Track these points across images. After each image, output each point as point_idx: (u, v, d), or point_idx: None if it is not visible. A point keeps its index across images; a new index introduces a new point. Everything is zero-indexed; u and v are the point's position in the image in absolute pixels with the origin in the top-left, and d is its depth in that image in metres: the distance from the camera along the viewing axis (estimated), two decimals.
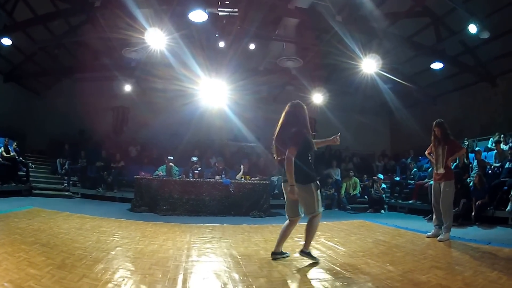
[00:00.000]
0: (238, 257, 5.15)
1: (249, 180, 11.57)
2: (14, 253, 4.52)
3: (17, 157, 12.33)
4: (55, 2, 12.00)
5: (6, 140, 12.36)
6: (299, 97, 16.52)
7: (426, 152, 7.45)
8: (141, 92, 17.37)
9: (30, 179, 12.80)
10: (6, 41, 12.14)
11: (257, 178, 11.94)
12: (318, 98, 16.06)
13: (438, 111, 16.03)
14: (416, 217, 10.70)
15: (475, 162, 10.86)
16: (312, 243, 5.99)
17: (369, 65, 12.43)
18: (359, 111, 18.88)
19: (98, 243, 5.58)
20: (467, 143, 13.53)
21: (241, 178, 11.76)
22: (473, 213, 8.83)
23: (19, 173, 12.36)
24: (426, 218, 9.68)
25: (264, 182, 11.52)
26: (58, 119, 16.80)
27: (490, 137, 12.94)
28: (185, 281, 3.92)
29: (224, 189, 10.90)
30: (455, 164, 10.51)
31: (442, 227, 6.72)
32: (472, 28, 10.61)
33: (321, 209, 4.87)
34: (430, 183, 9.06)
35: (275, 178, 13.24)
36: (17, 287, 3.38)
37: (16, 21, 12.12)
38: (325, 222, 7.95)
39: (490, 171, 10.61)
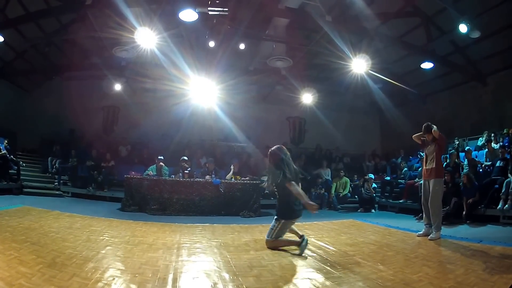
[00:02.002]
0: (228, 256, 5.14)
1: (239, 180, 11.55)
2: (4, 251, 4.50)
3: (8, 155, 12.21)
4: None
5: None
6: (289, 97, 16.69)
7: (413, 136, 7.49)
8: (131, 91, 17.31)
9: (21, 177, 12.68)
10: None
11: (247, 178, 11.89)
12: (307, 98, 16.18)
13: (428, 110, 16.16)
14: (406, 217, 10.73)
15: (466, 161, 10.93)
16: None
17: (359, 65, 12.48)
18: (349, 111, 18.92)
19: (88, 242, 5.55)
20: (458, 142, 13.62)
21: (231, 178, 11.71)
22: (464, 212, 8.89)
23: (10, 171, 12.26)
24: (416, 217, 9.70)
25: (255, 182, 11.46)
26: (48, 118, 16.71)
27: (480, 137, 13.04)
28: (175, 281, 3.90)
29: (214, 189, 10.85)
30: (446, 163, 10.60)
31: (432, 226, 6.75)
32: (463, 28, 10.66)
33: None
34: (420, 182, 9.10)
35: (265, 178, 13.22)
36: (7, 285, 3.36)
37: (8, 18, 12.01)
38: (315, 222, 7.93)
39: (481, 170, 10.69)
